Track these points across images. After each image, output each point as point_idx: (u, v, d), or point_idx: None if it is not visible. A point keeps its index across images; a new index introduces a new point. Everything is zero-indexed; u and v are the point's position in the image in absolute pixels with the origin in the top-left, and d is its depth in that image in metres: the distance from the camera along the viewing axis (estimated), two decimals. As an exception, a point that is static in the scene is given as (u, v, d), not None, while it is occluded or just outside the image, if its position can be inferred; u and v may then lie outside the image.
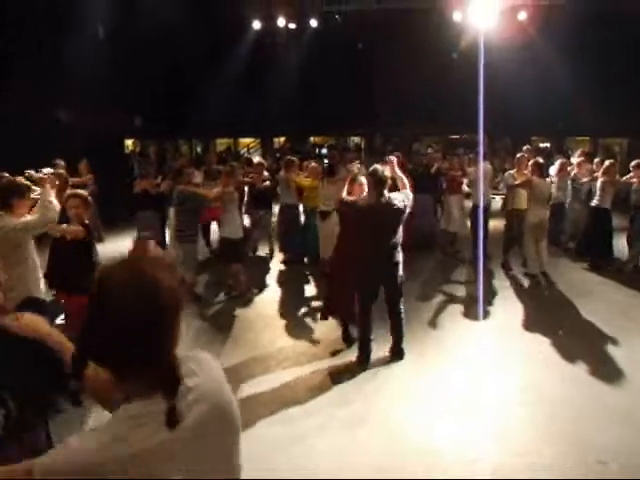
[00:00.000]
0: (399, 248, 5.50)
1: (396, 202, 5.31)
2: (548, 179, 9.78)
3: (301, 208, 9.62)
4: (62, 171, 7.33)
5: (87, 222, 5.02)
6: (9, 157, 7.61)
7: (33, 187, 5.01)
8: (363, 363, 5.51)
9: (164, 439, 1.23)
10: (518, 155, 9.40)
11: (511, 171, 9.20)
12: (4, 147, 9.81)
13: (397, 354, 5.64)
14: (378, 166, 5.48)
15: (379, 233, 5.37)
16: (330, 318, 6.22)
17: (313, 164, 9.48)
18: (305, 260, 9.48)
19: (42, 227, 4.64)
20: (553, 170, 10.15)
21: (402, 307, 5.65)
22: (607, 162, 9.04)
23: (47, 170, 5.19)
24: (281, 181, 9.47)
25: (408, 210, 5.43)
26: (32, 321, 1.69)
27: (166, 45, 15.16)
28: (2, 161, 6.97)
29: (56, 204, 4.71)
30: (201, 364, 1.38)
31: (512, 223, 9.06)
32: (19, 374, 1.78)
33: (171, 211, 8.32)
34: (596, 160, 10.04)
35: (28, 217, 4.57)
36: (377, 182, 5.27)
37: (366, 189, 5.58)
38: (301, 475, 3.74)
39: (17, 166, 6.32)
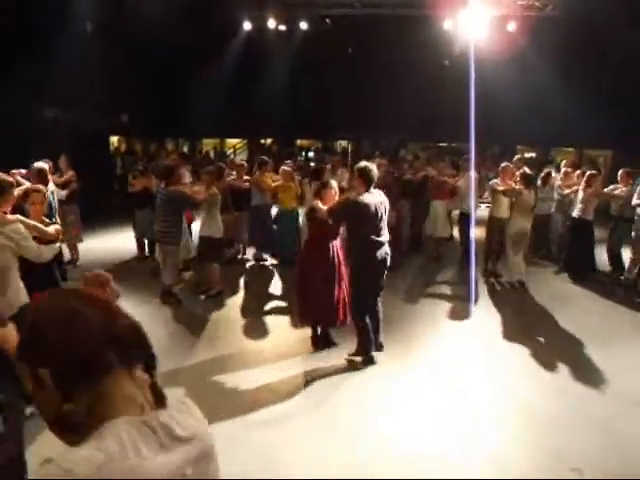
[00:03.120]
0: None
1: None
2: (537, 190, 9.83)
3: (274, 210, 9.68)
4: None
5: (46, 220, 4.81)
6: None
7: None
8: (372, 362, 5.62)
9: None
10: (503, 165, 9.37)
11: (496, 180, 9.15)
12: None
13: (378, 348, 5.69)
14: (367, 163, 5.55)
15: (382, 224, 5.41)
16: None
17: (285, 167, 9.56)
18: (275, 261, 9.63)
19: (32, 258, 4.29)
20: (540, 180, 10.21)
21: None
22: (588, 173, 9.01)
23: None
24: (253, 182, 9.49)
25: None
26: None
27: (155, 43, 15.07)
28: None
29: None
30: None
31: (493, 232, 8.92)
32: None
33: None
34: (577, 172, 10.08)
35: (39, 246, 4.28)
36: (369, 179, 5.33)
37: (337, 196, 5.74)
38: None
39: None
